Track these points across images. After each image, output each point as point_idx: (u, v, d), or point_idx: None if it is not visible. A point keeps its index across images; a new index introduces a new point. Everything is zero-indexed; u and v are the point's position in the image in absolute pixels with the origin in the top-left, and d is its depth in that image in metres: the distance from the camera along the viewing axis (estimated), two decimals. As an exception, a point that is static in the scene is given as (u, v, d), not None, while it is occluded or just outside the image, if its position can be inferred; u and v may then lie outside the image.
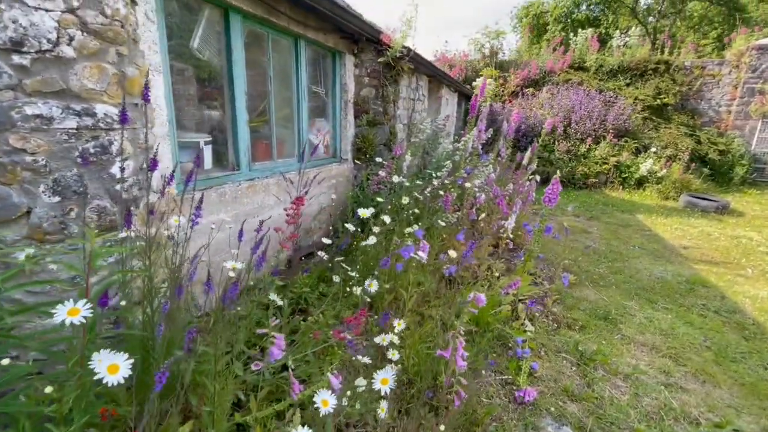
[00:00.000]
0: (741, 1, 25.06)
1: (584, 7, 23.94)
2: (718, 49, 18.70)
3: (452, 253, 3.15)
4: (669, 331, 3.11)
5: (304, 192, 2.62)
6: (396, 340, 1.92)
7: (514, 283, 2.65)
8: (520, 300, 3.38)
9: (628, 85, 10.16)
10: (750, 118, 9.70)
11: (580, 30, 10.82)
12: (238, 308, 1.85)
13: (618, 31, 10.33)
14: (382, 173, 3.77)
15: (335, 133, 4.31)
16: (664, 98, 9.67)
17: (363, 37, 3.99)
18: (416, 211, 3.34)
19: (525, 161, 6.34)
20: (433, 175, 3.98)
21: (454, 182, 3.74)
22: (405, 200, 3.04)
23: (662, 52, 10.65)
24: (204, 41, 2.55)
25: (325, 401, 1.02)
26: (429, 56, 11.64)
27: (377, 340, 1.89)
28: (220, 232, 2.57)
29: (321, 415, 1.01)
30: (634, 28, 10.39)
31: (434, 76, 6.17)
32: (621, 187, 8.62)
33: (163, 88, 2.08)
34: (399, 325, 2.03)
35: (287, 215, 2.02)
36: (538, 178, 4.76)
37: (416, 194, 3.32)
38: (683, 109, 10.10)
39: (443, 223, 3.93)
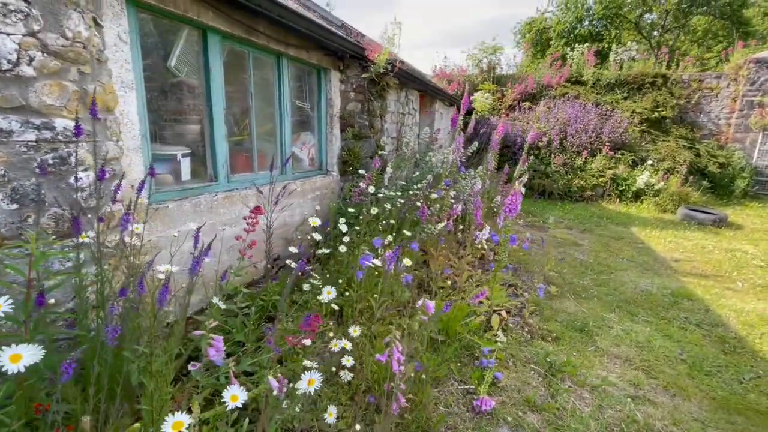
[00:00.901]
0: (745, 14, 25.09)
1: (587, 23, 24.17)
2: (722, 62, 18.70)
3: (434, 265, 3.19)
4: (645, 344, 3.08)
5: (275, 203, 2.72)
6: (349, 346, 1.96)
7: (481, 293, 2.67)
8: (495, 311, 3.39)
9: (625, 98, 10.19)
10: (750, 131, 9.63)
11: (576, 45, 10.94)
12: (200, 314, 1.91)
13: (614, 45, 10.40)
14: (362, 185, 3.86)
15: (321, 147, 4.43)
16: (662, 111, 9.67)
17: (346, 54, 4.14)
18: (392, 222, 3.40)
19: (516, 174, 6.37)
20: (414, 187, 4.05)
21: (431, 194, 3.80)
22: (374, 210, 3.10)
23: (666, 66, 10.66)
24: (182, 60, 2.69)
25: (235, 396, 1.07)
26: (428, 71, 11.86)
27: (331, 346, 1.93)
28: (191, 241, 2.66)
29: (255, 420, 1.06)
30: (631, 42, 10.44)
31: (425, 90, 6.30)
32: (618, 200, 8.58)
33: (136, 104, 2.20)
34: (355, 332, 2.08)
35: (246, 224, 2.10)
36: (522, 189, 4.79)
37: (387, 205, 3.38)
38: (682, 122, 10.07)
39: (425, 234, 3.98)
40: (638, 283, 4.32)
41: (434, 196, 3.70)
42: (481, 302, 3.20)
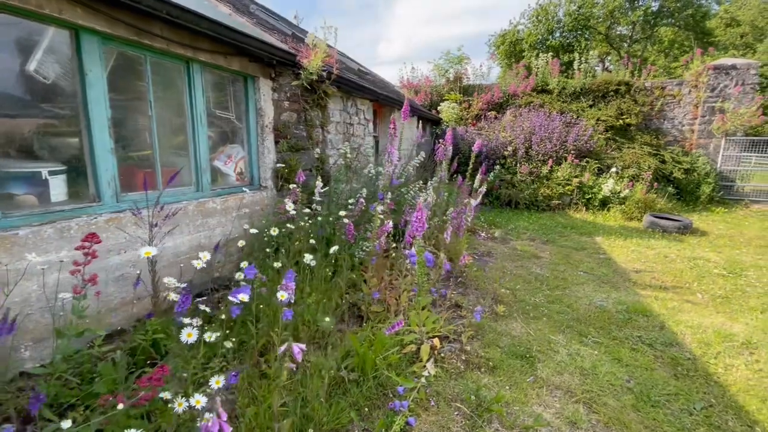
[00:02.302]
0: (708, 25, 26.06)
1: (558, 35, 24.71)
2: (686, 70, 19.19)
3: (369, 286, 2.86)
4: (590, 371, 2.78)
5: (153, 225, 2.35)
6: (202, 402, 1.59)
7: (397, 323, 2.34)
8: (433, 337, 3.05)
9: (591, 106, 10.19)
10: (713, 137, 9.69)
11: (541, 54, 10.96)
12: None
13: (577, 54, 10.44)
14: (288, 201, 3.52)
15: (252, 160, 4.09)
16: (627, 118, 9.67)
17: (274, 60, 3.84)
18: (312, 241, 3.06)
19: (476, 184, 6.14)
20: (349, 202, 3.73)
21: (365, 209, 3.49)
22: (274, 231, 2.77)
23: (631, 75, 10.69)
24: (46, 64, 2.34)
25: None
26: (395, 82, 11.71)
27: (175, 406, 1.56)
28: (60, 272, 2.27)
29: None
30: (592, 51, 10.49)
31: (377, 100, 6.05)
32: (585, 208, 8.44)
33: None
34: (218, 383, 1.71)
35: (83, 254, 1.73)
36: (473, 201, 4.53)
37: (303, 223, 3.06)
38: (647, 129, 10.10)
39: (363, 253, 3.65)
40: (593, 298, 4.05)
41: (379, 209, 3.38)
42: (411, 331, 2.87)
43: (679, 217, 7.37)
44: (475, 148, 4.62)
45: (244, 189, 3.87)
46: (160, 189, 3.10)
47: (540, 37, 24.28)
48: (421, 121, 9.55)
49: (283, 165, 4.25)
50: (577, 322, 3.53)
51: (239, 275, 2.18)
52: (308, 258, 2.78)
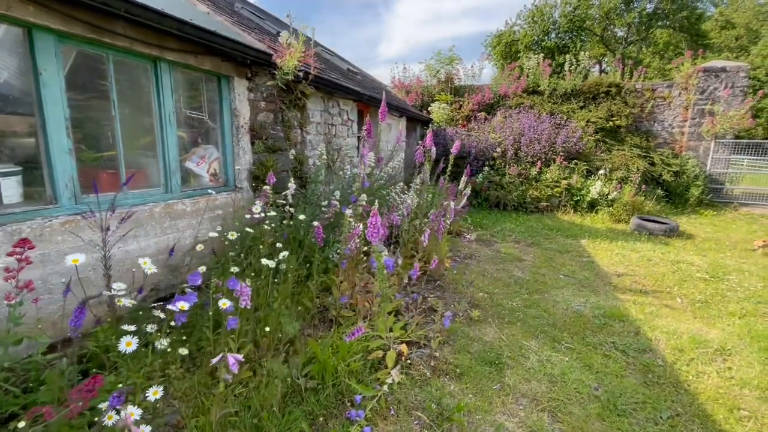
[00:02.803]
0: (703, 28, 26.12)
1: (553, 36, 24.69)
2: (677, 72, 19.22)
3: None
4: (559, 378, 2.73)
5: (106, 228, 2.29)
6: (137, 414, 1.53)
7: (357, 329, 2.29)
8: (402, 342, 3.00)
9: (581, 108, 10.16)
10: (703, 139, 9.68)
11: (532, 55, 10.92)
12: None
13: (569, 56, 10.41)
14: (258, 203, 3.46)
15: (226, 161, 4.02)
16: (617, 120, 9.65)
17: (247, 59, 3.78)
18: (279, 245, 3.01)
19: (461, 186, 6.10)
20: (322, 205, 3.68)
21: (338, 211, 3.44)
22: (233, 236, 2.72)
23: (622, 77, 10.65)
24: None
25: None
26: (387, 83, 11.65)
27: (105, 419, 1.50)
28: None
29: None
30: (583, 53, 10.47)
31: (361, 100, 5.99)
32: (573, 210, 8.41)
33: None
34: (155, 393, 1.66)
35: (18, 260, 1.67)
36: (452, 203, 4.48)
37: (268, 226, 3.00)
38: (637, 131, 10.08)
39: (338, 256, 3.60)
40: (571, 302, 4.01)
41: (348, 212, 3.33)
42: (378, 336, 2.82)
43: (666, 220, 7.35)
44: (453, 150, 4.57)
45: (213, 191, 3.81)
46: (125, 191, 3.04)
47: (535, 38, 24.26)
48: (410, 122, 9.50)
49: (258, 166, 4.19)
50: (551, 327, 3.49)
51: (184, 284, 2.11)
52: (269, 261, 2.71)
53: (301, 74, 4.12)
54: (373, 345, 2.69)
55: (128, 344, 1.69)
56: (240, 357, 1.51)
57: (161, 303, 3.11)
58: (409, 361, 2.81)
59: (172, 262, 3.35)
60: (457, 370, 2.76)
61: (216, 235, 3.15)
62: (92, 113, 2.84)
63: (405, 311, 3.46)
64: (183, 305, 1.69)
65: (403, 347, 2.84)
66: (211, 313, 2.33)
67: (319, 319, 3.32)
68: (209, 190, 3.60)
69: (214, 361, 1.48)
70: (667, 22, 24.98)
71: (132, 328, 1.88)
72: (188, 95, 3.65)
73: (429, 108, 10.67)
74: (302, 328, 3.13)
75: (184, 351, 2.20)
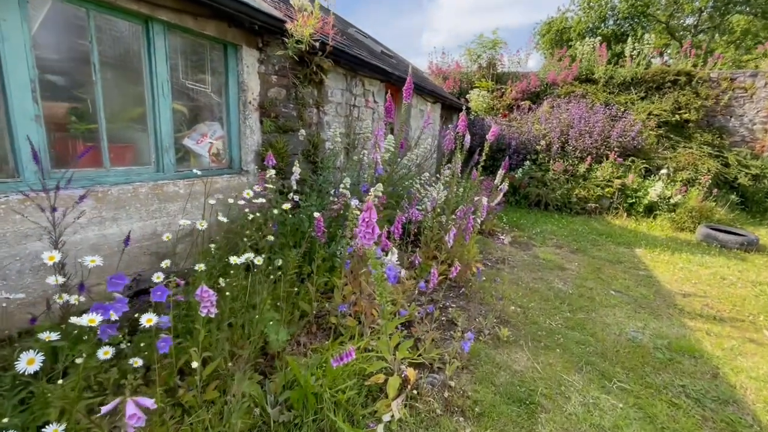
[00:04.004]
0: (791, 14, 22.91)
1: (611, 22, 22.63)
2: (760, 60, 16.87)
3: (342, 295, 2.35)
4: (610, 432, 2.10)
5: (52, 210, 1.92)
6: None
7: (346, 354, 1.78)
8: (411, 365, 2.48)
9: (642, 98, 9.00)
10: (792, 138, 8.26)
11: (587, 39, 9.79)
12: None
13: (630, 39, 9.22)
14: (257, 188, 3.04)
15: (230, 140, 3.63)
16: (685, 114, 8.43)
17: (256, 25, 3.33)
18: (271, 238, 2.56)
19: (497, 181, 5.45)
20: (331, 193, 3.20)
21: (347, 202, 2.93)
22: (202, 225, 2.29)
23: (704, 64, 9.25)
24: (-55, 7, 1.94)
25: None
26: (424, 68, 10.95)
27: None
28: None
29: None
30: (647, 35, 9.23)
31: (390, 81, 5.43)
32: (626, 214, 7.42)
33: None
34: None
35: None
36: (485, 199, 3.85)
37: (256, 215, 2.55)
38: (708, 127, 8.78)
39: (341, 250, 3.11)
40: (626, 327, 3.30)
41: (354, 203, 2.83)
42: (381, 357, 2.31)
43: (742, 231, 6.25)
44: (489, 137, 3.92)
45: (222, 173, 3.43)
46: (107, 167, 2.70)
47: (590, 25, 22.36)
48: (446, 111, 8.81)
49: (267, 147, 3.77)
50: (600, 357, 2.82)
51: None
52: (249, 258, 2.25)
53: (317, 45, 3.63)
54: (371, 368, 2.18)
55: (30, 362, 1.28)
56: (150, 402, 1.05)
57: (142, 295, 2.76)
58: (416, 391, 2.28)
59: (160, 250, 3.00)
60: (476, 408, 2.20)
61: (198, 223, 2.76)
62: (68, 77, 2.49)
63: (418, 323, 2.93)
64: (92, 319, 1.25)
65: (410, 372, 2.31)
66: (171, 316, 1.92)
67: (317, 326, 2.86)
68: (195, 170, 3.20)
69: (105, 409, 1.04)
70: (747, 8, 22.14)
71: (53, 336, 1.48)
72: (188, 64, 3.26)
73: (467, 95, 9.89)
74: (296, 336, 2.68)
75: (139, 361, 1.79)
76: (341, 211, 3.23)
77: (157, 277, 1.96)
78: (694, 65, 9.34)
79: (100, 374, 1.88)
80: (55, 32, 2.39)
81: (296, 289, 2.89)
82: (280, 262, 2.82)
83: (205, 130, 3.49)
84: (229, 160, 3.68)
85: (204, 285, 1.73)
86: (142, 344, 2.14)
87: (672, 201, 7.10)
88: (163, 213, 2.97)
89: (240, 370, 1.95)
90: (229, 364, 2.21)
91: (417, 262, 3.40)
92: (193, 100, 3.37)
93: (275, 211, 3.35)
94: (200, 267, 1.96)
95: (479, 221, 3.94)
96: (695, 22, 23.61)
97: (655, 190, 7.11)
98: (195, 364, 1.81)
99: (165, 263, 2.11)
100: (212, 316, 1.77)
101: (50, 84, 2.37)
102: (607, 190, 7.48)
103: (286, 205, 2.63)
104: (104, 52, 2.60)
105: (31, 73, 2.20)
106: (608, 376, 2.60)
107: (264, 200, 2.70)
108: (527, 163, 8.14)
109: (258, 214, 2.61)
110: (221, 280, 2.23)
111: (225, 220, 2.74)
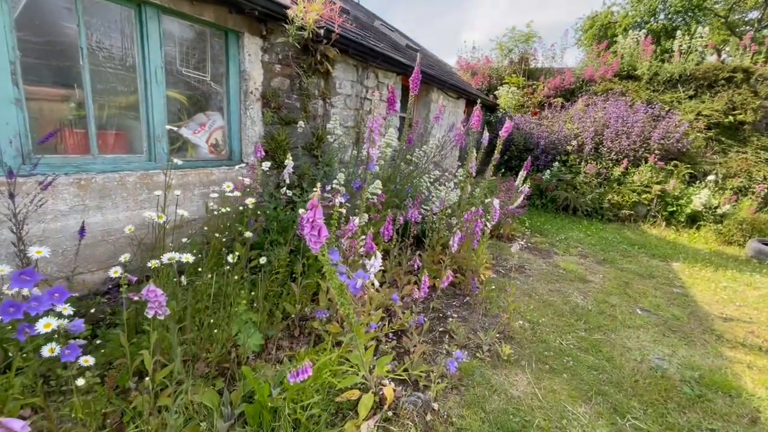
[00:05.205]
0: None
1: (662, 17, 21.02)
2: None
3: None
4: (615, 482, 1.78)
5: (12, 194, 1.84)
6: None
7: (302, 370, 1.59)
8: (393, 380, 2.26)
9: (691, 98, 8.20)
10: None
11: (630, 32, 9.04)
12: None
13: (679, 32, 8.40)
14: (247, 181, 2.91)
15: (231, 131, 3.53)
16: (740, 115, 7.60)
17: (256, 11, 3.19)
18: (248, 234, 2.40)
19: (518, 182, 5.10)
20: (326, 189, 3.01)
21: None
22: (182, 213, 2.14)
23: (762, 60, 8.29)
24: None
25: None
26: (453, 63, 10.56)
27: None
28: None
29: None
30: (702, 29, 8.38)
31: (405, 74, 5.17)
32: (665, 223, 6.77)
33: None
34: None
35: None
36: (496, 201, 3.54)
37: (223, 210, 2.40)
38: (768, 130, 7.88)
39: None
40: (649, 353, 2.90)
41: (339, 201, 2.63)
42: (356, 371, 2.09)
43: (802, 249, 5.51)
44: (503, 133, 3.58)
45: (220, 164, 3.33)
46: (95, 154, 2.64)
47: (638, 20, 20.89)
48: (471, 107, 8.41)
49: (268, 140, 3.64)
50: (615, 387, 2.47)
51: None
52: (174, 258, 2.04)
53: (321, 32, 3.45)
54: (343, 383, 1.97)
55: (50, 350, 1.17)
56: (19, 426, 0.90)
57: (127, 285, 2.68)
58: (393, 411, 2.05)
59: (148, 241, 2.93)
60: (459, 438, 1.95)
61: (187, 214, 2.66)
62: (55, 61, 2.44)
63: (410, 335, 2.69)
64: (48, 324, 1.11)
65: (389, 390, 2.09)
66: (125, 318, 1.80)
67: (301, 329, 2.69)
68: (178, 161, 3.09)
69: None
70: (823, -1, 19.83)
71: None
72: (186, 51, 3.17)
73: (496, 92, 9.42)
74: (276, 340, 2.53)
75: (87, 360, 1.68)
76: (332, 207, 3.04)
77: (115, 272, 1.85)
78: (754, 62, 8.40)
79: (51, 371, 1.80)
80: (40, 14, 2.34)
81: (281, 289, 2.74)
82: (263, 260, 2.67)
83: (203, 120, 3.40)
84: (229, 151, 3.58)
85: (152, 284, 1.58)
86: (98, 342, 2.05)
87: (719, 211, 6.40)
88: (152, 203, 2.90)
89: (192, 377, 1.80)
90: (196, 367, 2.09)
91: (417, 266, 3.16)
92: (193, 89, 3.28)
93: (272, 207, 3.22)
94: (154, 264, 1.82)
95: (490, 225, 3.63)
96: (760, 16, 21.48)
97: (699, 198, 6.43)
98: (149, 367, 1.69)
99: (124, 257, 2.00)
100: (160, 317, 1.63)
101: (35, 67, 2.33)
102: (644, 196, 6.86)
103: (250, 200, 2.46)
104: (94, 36, 2.53)
105: (11, 55, 2.15)
106: (622, 410, 2.26)
107: (239, 193, 2.55)
108: (556, 164, 7.62)
109: (242, 208, 2.45)
110: (183, 278, 2.09)
111: (217, 212, 2.62)
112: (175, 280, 2.05)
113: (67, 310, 1.59)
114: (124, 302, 1.74)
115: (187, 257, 1.76)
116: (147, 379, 1.73)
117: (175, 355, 1.79)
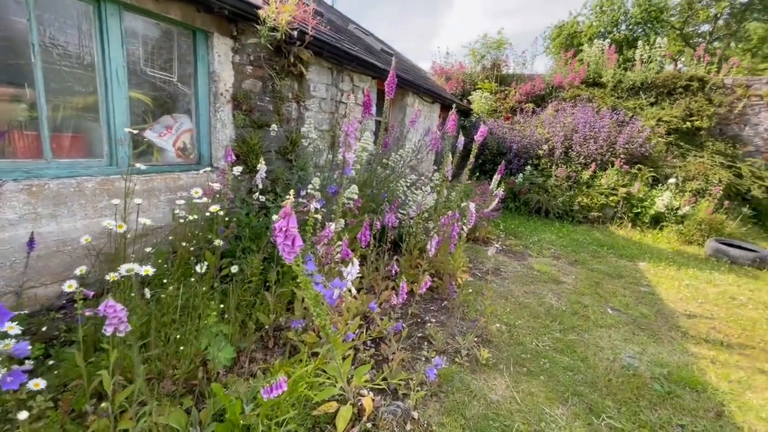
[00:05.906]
0: (812, 22, 22.21)
1: (623, 27, 22.13)
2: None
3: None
4: (593, 483, 1.80)
5: None
6: None
7: (276, 385, 1.51)
8: (371, 390, 2.20)
9: (652, 104, 8.63)
10: (810, 150, 7.83)
11: (595, 41, 9.44)
12: None
13: (640, 42, 8.85)
14: (216, 186, 2.79)
15: (200, 134, 3.39)
16: (697, 121, 8.05)
17: (225, 10, 3.08)
18: (218, 242, 2.30)
19: (492, 186, 5.16)
20: (300, 194, 2.94)
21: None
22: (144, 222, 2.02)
23: (718, 70, 8.82)
24: None
25: None
26: (427, 68, 10.67)
27: None
28: None
29: None
30: (659, 39, 8.85)
31: (381, 77, 5.16)
32: (631, 224, 7.06)
33: None
34: None
35: None
36: (472, 205, 3.56)
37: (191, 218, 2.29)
38: (722, 135, 8.39)
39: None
40: (621, 351, 2.98)
41: (314, 206, 2.56)
42: (333, 382, 2.02)
43: (755, 247, 5.87)
44: (478, 137, 3.63)
45: (188, 169, 3.18)
46: (48, 158, 2.46)
47: (602, 30, 21.91)
48: (445, 112, 8.52)
49: (239, 144, 3.52)
50: (590, 387, 2.51)
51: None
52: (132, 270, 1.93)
53: (295, 34, 3.37)
54: (321, 395, 1.90)
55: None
56: None
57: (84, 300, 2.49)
58: (372, 423, 1.99)
59: (109, 251, 2.75)
60: (439, 447, 1.91)
61: (152, 221, 2.52)
62: (1, 57, 2.26)
63: (389, 342, 2.64)
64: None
65: (367, 401, 2.03)
66: (81, 335, 1.66)
67: (275, 340, 2.59)
68: (140, 166, 2.95)
69: None
70: (766, 15, 21.51)
71: None
72: (151, 50, 3.02)
73: (470, 97, 9.59)
74: (249, 352, 2.42)
75: (37, 384, 1.54)
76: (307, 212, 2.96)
77: (69, 286, 1.71)
78: (708, 71, 8.94)
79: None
80: (-15, 7, 2.16)
81: (254, 299, 2.63)
82: (235, 269, 2.56)
83: (170, 122, 3.25)
84: (198, 155, 3.44)
85: (110, 299, 1.47)
86: (51, 362, 1.90)
87: (680, 212, 6.74)
88: (113, 210, 2.73)
89: (158, 396, 1.68)
90: (162, 386, 1.96)
91: (395, 271, 3.12)
92: (159, 90, 3.13)
93: (245, 213, 3.10)
94: (113, 276, 1.70)
95: (466, 228, 3.65)
96: (710, 30, 23.03)
97: (662, 200, 6.75)
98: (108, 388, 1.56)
99: (80, 269, 1.86)
100: (120, 335, 1.51)
101: (-22, 64, 2.14)
102: (611, 198, 7.13)
103: (214, 207, 2.35)
104: (47, 32, 2.36)
105: (-50, 50, 1.96)
106: (597, 410, 2.29)
107: (225, 201, 2.44)
108: (528, 168, 7.82)
109: (209, 213, 2.34)
110: (147, 291, 1.97)
111: (184, 219, 2.49)
112: (136, 293, 1.92)
113: (14, 329, 1.45)
114: (80, 318, 1.61)
115: (147, 269, 1.64)
116: (106, 401, 1.60)
117: (138, 373, 1.66)
